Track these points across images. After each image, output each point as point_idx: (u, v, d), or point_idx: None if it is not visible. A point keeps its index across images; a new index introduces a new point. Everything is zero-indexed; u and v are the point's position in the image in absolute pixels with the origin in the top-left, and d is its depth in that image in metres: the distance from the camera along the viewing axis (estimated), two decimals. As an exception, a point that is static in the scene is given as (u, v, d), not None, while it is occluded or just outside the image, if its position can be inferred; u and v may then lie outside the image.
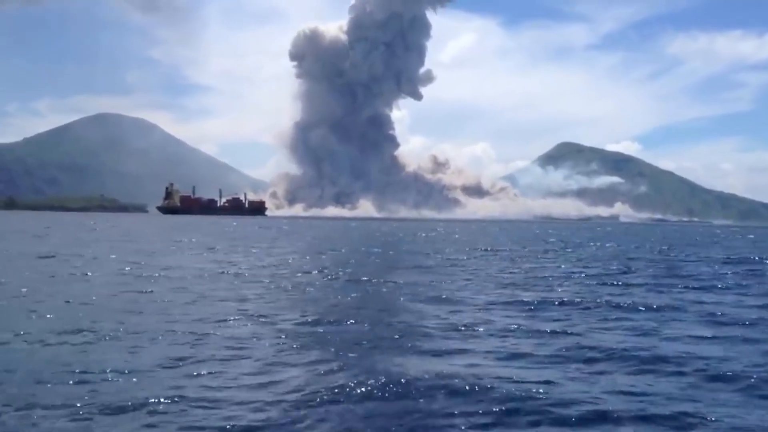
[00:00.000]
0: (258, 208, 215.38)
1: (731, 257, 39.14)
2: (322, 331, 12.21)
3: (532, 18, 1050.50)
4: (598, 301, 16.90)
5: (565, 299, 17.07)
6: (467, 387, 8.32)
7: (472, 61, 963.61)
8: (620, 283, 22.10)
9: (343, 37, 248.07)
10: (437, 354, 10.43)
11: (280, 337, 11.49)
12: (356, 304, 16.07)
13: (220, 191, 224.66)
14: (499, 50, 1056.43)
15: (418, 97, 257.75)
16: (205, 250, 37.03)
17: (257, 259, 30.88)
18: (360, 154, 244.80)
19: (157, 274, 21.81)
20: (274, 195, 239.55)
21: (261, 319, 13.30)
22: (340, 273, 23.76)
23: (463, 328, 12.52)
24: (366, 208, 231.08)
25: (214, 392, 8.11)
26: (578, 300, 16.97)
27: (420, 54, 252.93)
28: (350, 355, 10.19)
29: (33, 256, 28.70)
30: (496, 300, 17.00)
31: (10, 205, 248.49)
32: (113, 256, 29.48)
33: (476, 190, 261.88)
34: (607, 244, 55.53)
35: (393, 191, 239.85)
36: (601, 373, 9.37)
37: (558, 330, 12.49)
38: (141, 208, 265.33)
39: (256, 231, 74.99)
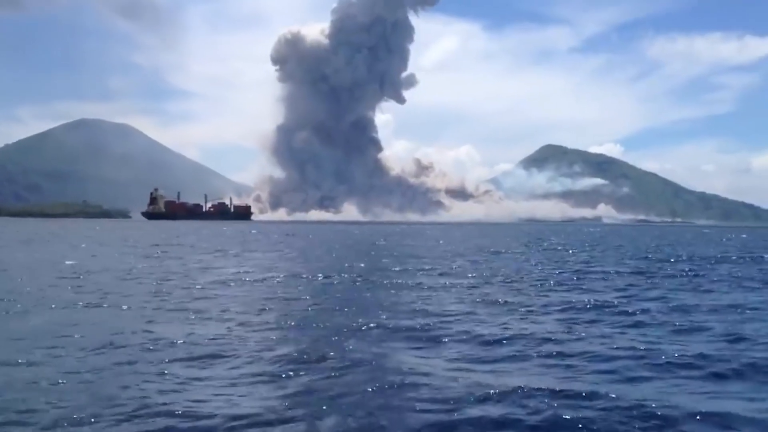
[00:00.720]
0: (243, 213, 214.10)
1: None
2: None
3: (514, 21, 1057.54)
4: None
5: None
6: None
7: (456, 65, 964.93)
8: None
9: (326, 40, 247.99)
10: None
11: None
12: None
13: (206, 196, 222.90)
14: (482, 54, 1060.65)
15: (401, 100, 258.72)
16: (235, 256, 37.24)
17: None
18: (344, 158, 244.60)
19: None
20: (257, 199, 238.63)
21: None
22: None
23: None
24: (350, 211, 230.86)
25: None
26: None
27: (403, 58, 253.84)
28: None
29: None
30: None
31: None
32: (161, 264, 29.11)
33: (460, 193, 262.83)
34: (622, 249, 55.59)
35: (377, 195, 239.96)
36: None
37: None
38: (124, 214, 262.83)
39: (257, 236, 74.13)
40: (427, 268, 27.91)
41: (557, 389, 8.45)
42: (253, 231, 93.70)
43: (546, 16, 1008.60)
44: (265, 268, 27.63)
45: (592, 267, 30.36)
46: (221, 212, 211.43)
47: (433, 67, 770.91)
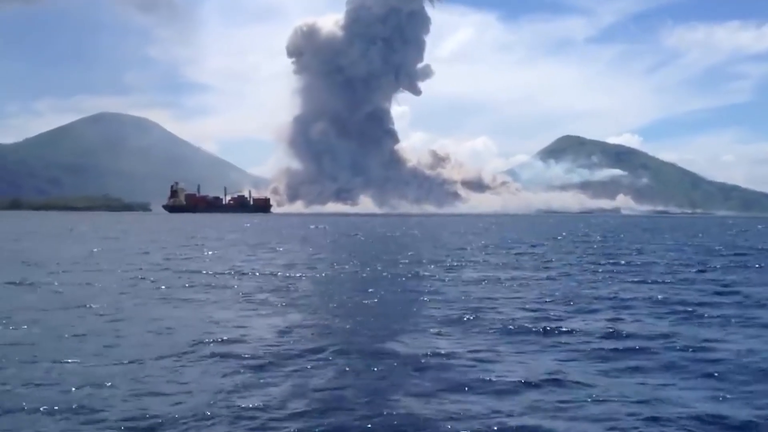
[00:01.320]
0: (263, 206, 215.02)
1: None
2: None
3: (531, 12, 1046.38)
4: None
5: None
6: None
7: (472, 56, 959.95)
8: None
9: (341, 32, 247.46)
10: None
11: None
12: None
13: (225, 189, 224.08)
14: (498, 45, 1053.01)
15: (416, 92, 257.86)
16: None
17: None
18: (360, 150, 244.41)
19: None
20: (275, 191, 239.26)
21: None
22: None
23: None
24: (366, 204, 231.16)
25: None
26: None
27: (418, 49, 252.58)
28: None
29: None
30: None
31: (15, 205, 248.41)
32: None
33: (477, 185, 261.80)
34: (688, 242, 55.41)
35: (393, 187, 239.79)
36: None
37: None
38: (145, 207, 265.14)
39: (288, 229, 73.55)
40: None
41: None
42: (279, 224, 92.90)
43: (562, 6, 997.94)
44: (330, 262, 27.82)
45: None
46: (241, 205, 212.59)
47: (449, 58, 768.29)
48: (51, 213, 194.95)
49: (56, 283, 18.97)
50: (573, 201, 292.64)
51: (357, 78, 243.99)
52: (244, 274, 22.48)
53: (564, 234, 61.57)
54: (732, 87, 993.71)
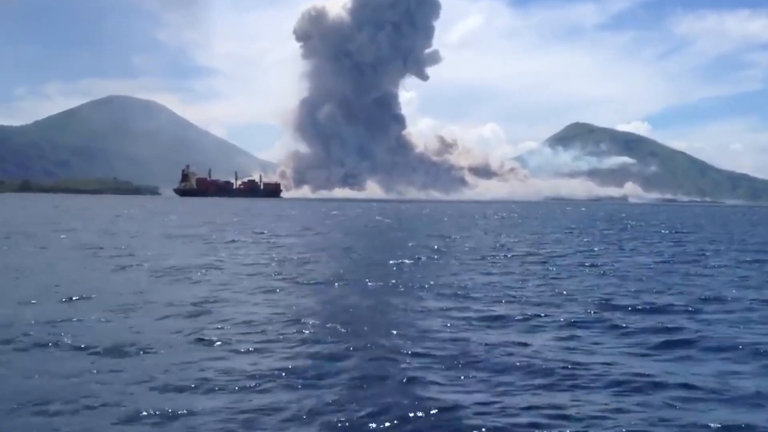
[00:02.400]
0: (273, 190, 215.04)
1: None
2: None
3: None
4: None
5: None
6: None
7: (481, 42, 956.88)
8: None
9: (349, 16, 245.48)
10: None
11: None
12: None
13: (236, 173, 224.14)
14: (507, 31, 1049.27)
15: (424, 77, 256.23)
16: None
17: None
18: (367, 135, 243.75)
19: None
20: (282, 175, 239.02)
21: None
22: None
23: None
24: (373, 189, 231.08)
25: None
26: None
27: (427, 34, 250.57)
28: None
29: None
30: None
31: (25, 187, 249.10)
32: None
33: (484, 171, 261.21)
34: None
35: (400, 172, 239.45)
36: None
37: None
38: (153, 191, 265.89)
39: (309, 215, 72.06)
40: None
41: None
42: (296, 210, 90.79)
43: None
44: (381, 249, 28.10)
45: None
46: (251, 189, 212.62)
47: (458, 43, 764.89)
48: (59, 195, 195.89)
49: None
50: (581, 188, 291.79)
51: (365, 63, 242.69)
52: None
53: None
54: (742, 75, 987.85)
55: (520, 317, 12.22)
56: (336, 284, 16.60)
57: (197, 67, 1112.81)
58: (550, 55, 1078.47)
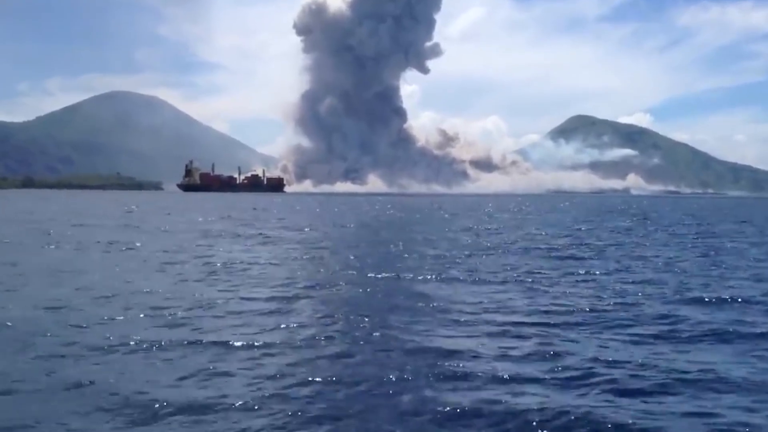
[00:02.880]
0: (276, 185, 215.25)
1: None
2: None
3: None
4: None
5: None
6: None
7: (482, 35, 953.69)
8: None
9: (350, 9, 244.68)
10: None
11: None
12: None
13: (239, 168, 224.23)
14: (509, 23, 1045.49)
15: (425, 70, 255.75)
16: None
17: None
18: (368, 129, 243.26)
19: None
20: (284, 170, 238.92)
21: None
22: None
23: None
24: (375, 183, 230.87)
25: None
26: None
27: (428, 27, 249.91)
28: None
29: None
30: None
31: (28, 184, 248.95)
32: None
33: (486, 165, 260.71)
34: None
35: (402, 166, 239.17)
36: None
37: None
38: (156, 186, 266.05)
39: (326, 209, 71.77)
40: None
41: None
42: (301, 205, 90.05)
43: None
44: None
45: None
46: (254, 184, 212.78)
47: (459, 37, 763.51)
48: (62, 192, 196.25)
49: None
50: (583, 181, 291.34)
51: (366, 56, 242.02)
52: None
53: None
54: (744, 66, 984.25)
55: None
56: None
57: (199, 62, 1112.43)
58: (552, 48, 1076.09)
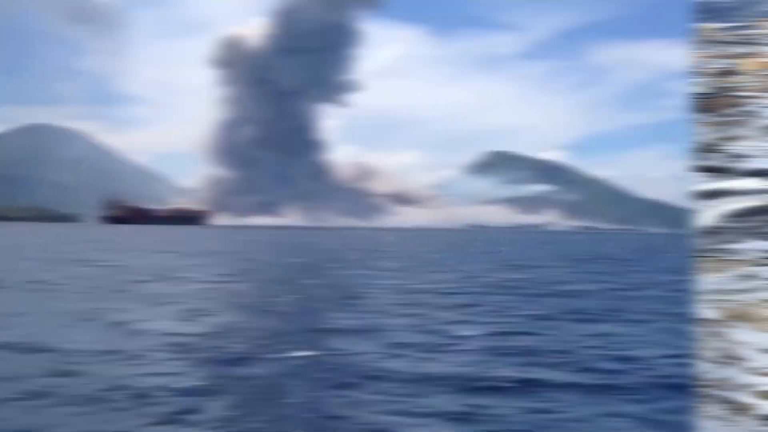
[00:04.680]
0: (198, 218, 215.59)
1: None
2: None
3: (461, 27, 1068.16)
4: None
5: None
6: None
7: (402, 70, 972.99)
8: None
9: (268, 43, 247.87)
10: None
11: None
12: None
13: (160, 201, 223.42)
14: (428, 59, 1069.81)
15: (345, 105, 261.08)
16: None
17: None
18: (287, 161, 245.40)
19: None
20: (203, 202, 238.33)
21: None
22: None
23: None
24: (292, 216, 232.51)
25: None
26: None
27: (348, 62, 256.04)
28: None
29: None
30: None
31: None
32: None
33: (404, 199, 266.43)
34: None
35: (320, 199, 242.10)
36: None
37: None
38: (76, 218, 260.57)
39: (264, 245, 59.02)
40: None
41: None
42: (253, 238, 78.79)
43: (492, 21, 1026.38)
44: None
45: None
46: (179, 217, 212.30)
47: (379, 72, 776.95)
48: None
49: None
50: (501, 216, 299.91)
51: (284, 90, 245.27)
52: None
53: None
54: (658, 104, 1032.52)
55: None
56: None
57: (120, 95, 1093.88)
58: (470, 84, 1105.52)
